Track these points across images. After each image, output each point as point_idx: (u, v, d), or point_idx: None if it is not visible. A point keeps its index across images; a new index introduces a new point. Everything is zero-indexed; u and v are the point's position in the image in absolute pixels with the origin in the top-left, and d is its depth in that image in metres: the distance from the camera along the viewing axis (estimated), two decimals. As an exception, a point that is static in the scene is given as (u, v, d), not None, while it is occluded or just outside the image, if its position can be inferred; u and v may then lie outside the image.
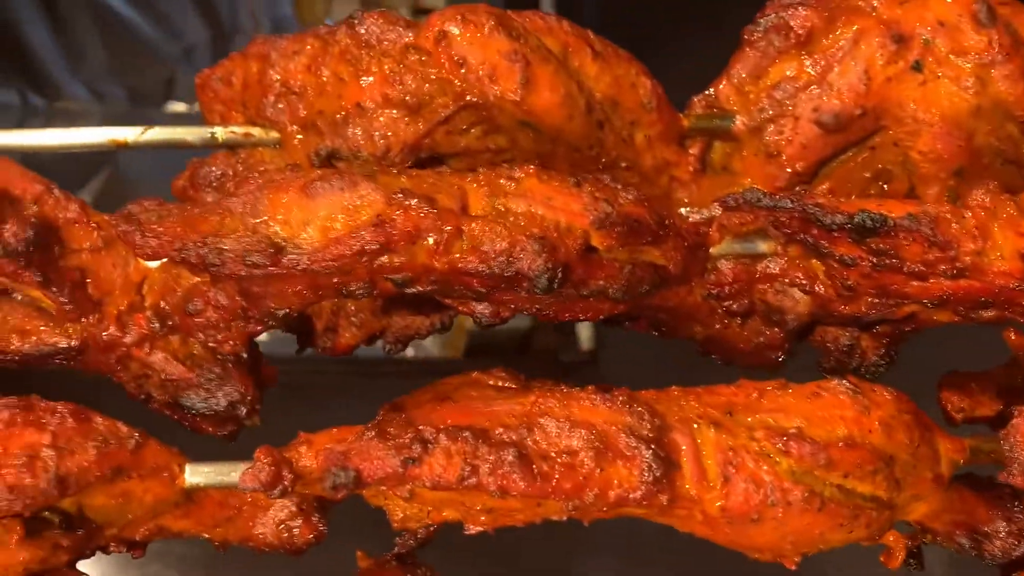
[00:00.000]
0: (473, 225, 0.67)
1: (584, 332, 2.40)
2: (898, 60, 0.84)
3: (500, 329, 2.32)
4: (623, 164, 0.84)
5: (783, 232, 0.75)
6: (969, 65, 0.84)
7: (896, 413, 0.72)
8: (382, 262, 0.67)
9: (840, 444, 0.69)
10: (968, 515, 0.79)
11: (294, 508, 0.75)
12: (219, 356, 0.75)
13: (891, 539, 0.78)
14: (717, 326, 0.81)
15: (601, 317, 0.76)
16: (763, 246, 0.78)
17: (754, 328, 0.81)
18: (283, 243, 0.67)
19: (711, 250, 0.77)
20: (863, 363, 0.85)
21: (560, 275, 0.67)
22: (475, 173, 0.71)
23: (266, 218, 0.67)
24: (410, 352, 2.10)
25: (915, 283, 0.74)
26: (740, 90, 0.87)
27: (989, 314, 0.78)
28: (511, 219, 0.67)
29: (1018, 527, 0.79)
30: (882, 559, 0.78)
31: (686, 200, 0.85)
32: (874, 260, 0.73)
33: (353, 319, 0.83)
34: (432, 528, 0.78)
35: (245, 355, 0.75)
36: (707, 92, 0.88)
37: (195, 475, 0.72)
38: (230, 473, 0.72)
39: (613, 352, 2.31)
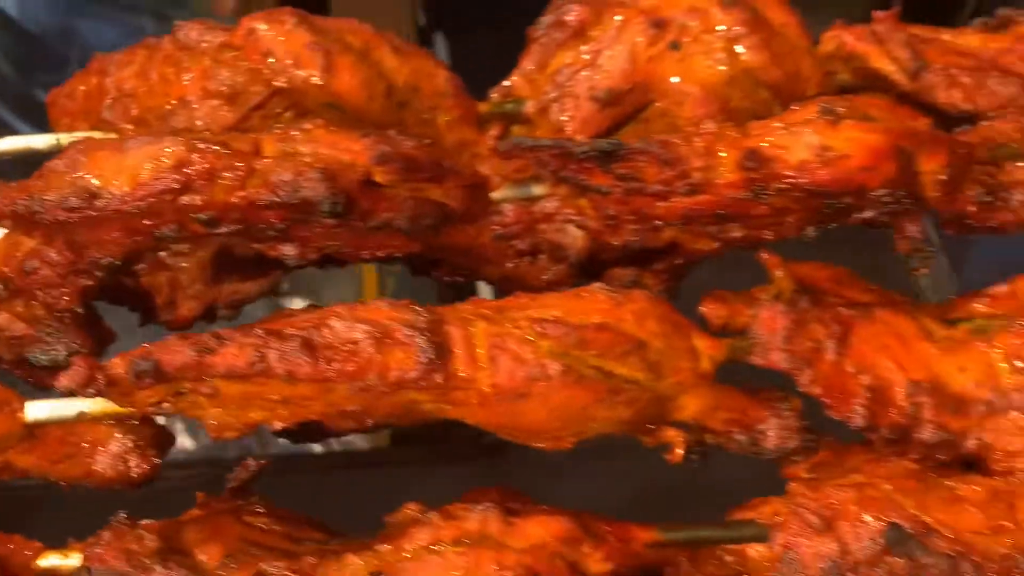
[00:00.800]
0: (265, 161, 0.78)
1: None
2: (658, 42, 0.98)
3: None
4: (426, 141, 0.97)
5: (551, 172, 0.87)
6: (718, 41, 0.98)
7: (648, 307, 0.82)
8: (186, 201, 0.79)
9: (592, 327, 0.78)
10: (742, 414, 0.88)
11: (130, 443, 0.83)
12: (56, 312, 0.84)
13: (671, 434, 0.86)
14: (509, 265, 0.91)
15: (398, 255, 0.86)
16: (537, 189, 0.89)
17: (542, 266, 0.91)
18: (98, 190, 0.78)
19: (493, 195, 0.89)
20: (648, 300, 0.95)
21: (344, 203, 0.78)
22: (270, 130, 0.83)
23: (83, 172, 0.79)
24: (336, 445, 2.12)
25: (661, 204, 0.86)
26: (529, 79, 1.01)
27: (737, 233, 0.89)
28: (298, 158, 0.79)
29: (787, 423, 0.88)
30: (667, 456, 0.86)
31: (487, 171, 0.97)
32: (622, 185, 0.85)
33: (188, 291, 0.93)
34: (263, 463, 0.86)
35: (80, 310, 0.84)
36: (503, 84, 1.02)
37: (36, 410, 0.81)
38: (69, 408, 0.81)
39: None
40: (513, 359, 0.76)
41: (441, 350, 0.76)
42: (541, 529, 0.78)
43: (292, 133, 0.81)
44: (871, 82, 1.05)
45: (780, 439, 0.88)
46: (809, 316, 0.84)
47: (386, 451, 2.09)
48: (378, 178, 0.80)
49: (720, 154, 0.84)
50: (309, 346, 0.74)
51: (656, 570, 0.84)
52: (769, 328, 0.84)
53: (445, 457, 1.96)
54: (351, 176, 0.78)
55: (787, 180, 0.83)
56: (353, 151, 0.80)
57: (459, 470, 1.98)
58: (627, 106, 1.00)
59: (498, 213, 0.89)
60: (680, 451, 0.87)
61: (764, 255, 0.91)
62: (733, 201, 0.84)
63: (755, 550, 0.84)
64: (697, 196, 0.85)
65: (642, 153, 0.83)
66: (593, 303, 0.81)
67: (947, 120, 1.01)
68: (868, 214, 0.88)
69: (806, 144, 0.82)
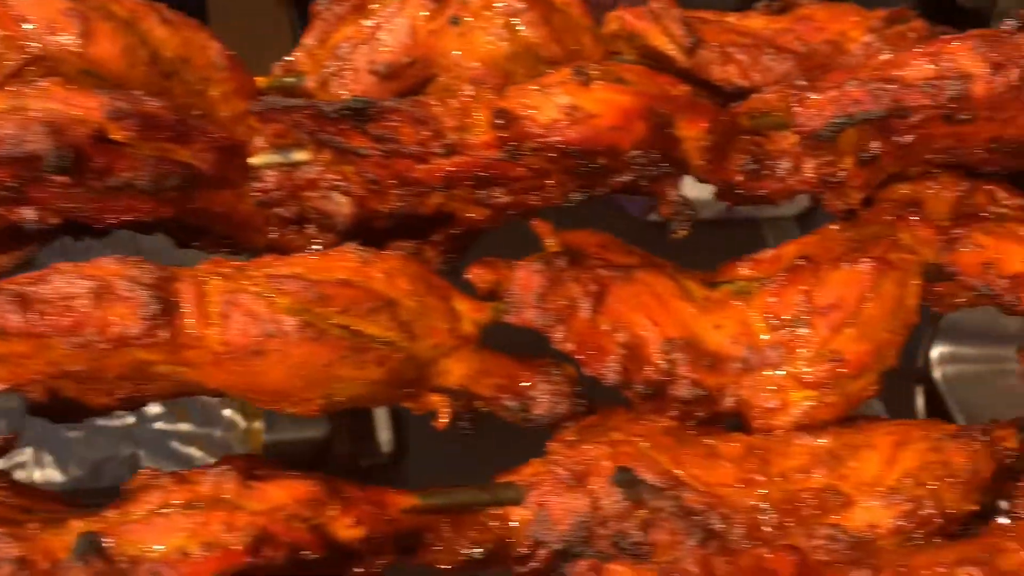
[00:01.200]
0: (-10, 117, 0.76)
1: (383, 435, 2.44)
2: (438, 16, 0.99)
3: (297, 439, 2.33)
4: (196, 112, 0.95)
5: (308, 135, 0.86)
6: (498, 17, 0.98)
7: (400, 266, 0.81)
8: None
9: (334, 283, 0.77)
10: (511, 379, 0.87)
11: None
12: None
13: (435, 400, 0.85)
14: (275, 235, 0.90)
15: (149, 221, 0.84)
16: (298, 154, 0.88)
17: (311, 235, 0.90)
18: None
19: (252, 160, 0.88)
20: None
21: (72, 158, 0.76)
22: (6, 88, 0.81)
23: None
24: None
25: (420, 166, 0.85)
26: (311, 54, 1.00)
27: (503, 198, 0.89)
28: (26, 113, 0.77)
29: (557, 387, 0.87)
30: (434, 423, 0.85)
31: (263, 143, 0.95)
32: (380, 147, 0.84)
33: (-51, 267, 0.89)
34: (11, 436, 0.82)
35: None
36: (285, 59, 1.01)
37: None
38: None
39: (416, 453, 2.36)
40: (246, 315, 0.75)
41: (168, 306, 0.74)
42: (281, 492, 0.76)
43: (25, 90, 0.79)
44: (655, 62, 1.07)
45: (550, 405, 0.88)
46: (566, 275, 0.85)
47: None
48: (114, 135, 0.78)
49: (475, 115, 0.84)
50: (22, 299, 0.71)
51: (416, 536, 0.82)
52: (524, 287, 0.84)
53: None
54: (81, 131, 0.76)
55: (538, 139, 0.83)
56: (87, 107, 0.78)
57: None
58: (408, 80, 1.00)
59: (259, 179, 0.88)
60: (445, 418, 0.86)
61: (535, 222, 0.92)
62: (490, 162, 0.85)
63: (518, 513, 0.83)
64: (454, 157, 0.84)
65: (394, 112, 0.83)
66: (340, 261, 0.80)
67: (727, 97, 1.03)
68: (626, 177, 0.88)
69: (556, 104, 0.83)
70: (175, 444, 1.81)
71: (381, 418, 2.20)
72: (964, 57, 0.87)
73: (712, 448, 0.84)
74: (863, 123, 0.89)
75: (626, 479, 0.73)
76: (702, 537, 0.75)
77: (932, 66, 0.88)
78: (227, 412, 1.88)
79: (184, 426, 1.84)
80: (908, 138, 0.91)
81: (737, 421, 0.90)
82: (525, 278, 0.84)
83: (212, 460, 0.85)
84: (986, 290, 0.90)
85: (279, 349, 0.75)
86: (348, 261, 0.80)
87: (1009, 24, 0.88)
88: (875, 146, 0.93)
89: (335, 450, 2.39)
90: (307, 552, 0.75)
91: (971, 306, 0.96)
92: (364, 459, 2.30)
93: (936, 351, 2.20)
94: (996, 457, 0.84)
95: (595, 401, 0.90)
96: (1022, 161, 1.02)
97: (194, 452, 1.84)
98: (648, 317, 0.85)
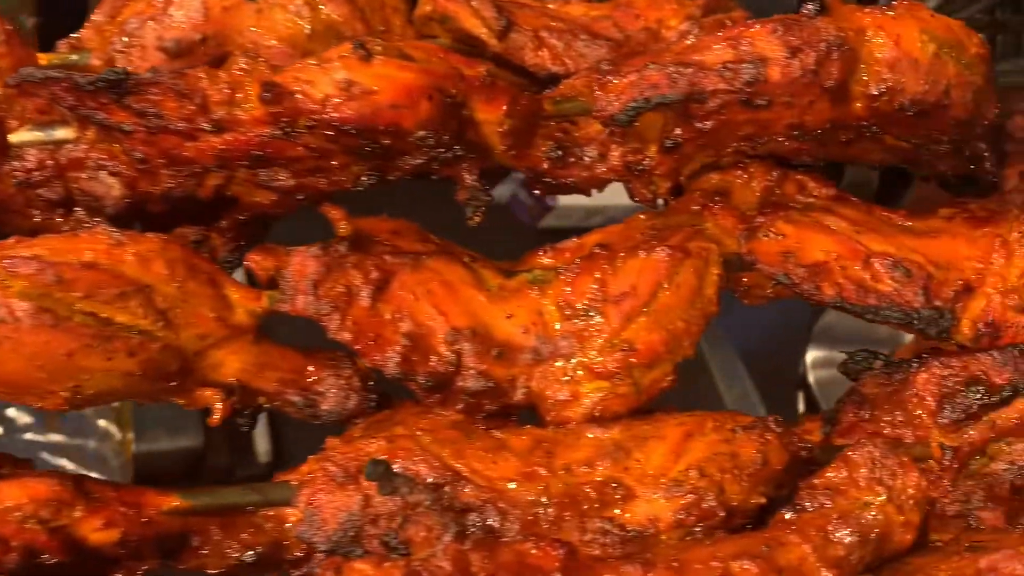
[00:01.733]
0: None
1: (261, 445, 2.36)
2: (234, -8, 0.93)
3: (169, 449, 2.22)
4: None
5: (69, 110, 0.80)
6: (296, -5, 0.94)
7: (157, 250, 0.76)
8: None
9: (75, 266, 0.71)
10: (297, 373, 0.82)
11: None
12: None
13: (207, 395, 0.79)
14: (38, 219, 0.83)
15: None
16: (61, 132, 0.82)
17: (80, 218, 0.84)
18: None
19: (11, 138, 0.81)
20: (215, 258, 0.89)
21: None
22: None
23: None
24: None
25: (190, 144, 0.80)
26: (99, 30, 0.94)
27: (287, 180, 0.85)
28: None
29: (347, 380, 0.83)
30: (208, 421, 0.79)
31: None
32: (144, 123, 0.79)
33: None
34: None
35: None
36: (71, 36, 0.95)
37: None
38: None
39: (294, 461, 2.29)
40: (-26, 299, 0.69)
41: None
42: (16, 491, 0.70)
43: None
44: (469, 45, 1.03)
45: (338, 400, 0.83)
46: (346, 262, 0.80)
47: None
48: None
49: (247, 89, 0.80)
50: None
51: (181, 539, 0.77)
52: (298, 273, 0.79)
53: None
54: None
55: (313, 116, 0.78)
56: None
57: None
58: (200, 58, 0.94)
59: (19, 158, 0.82)
60: (218, 415, 0.80)
61: (325, 207, 0.87)
62: (264, 140, 0.80)
63: (293, 513, 0.78)
64: (224, 134, 0.79)
65: (154, 85, 0.77)
66: (89, 243, 0.74)
67: (542, 84, 1.01)
68: (417, 160, 0.85)
69: (332, 79, 0.79)
70: (45, 455, 1.72)
71: (259, 427, 2.12)
72: (762, 41, 0.86)
73: (500, 441, 0.80)
74: (660, 107, 0.86)
75: (377, 473, 0.69)
76: (457, 532, 0.71)
77: (731, 50, 0.86)
78: (101, 422, 1.79)
79: (55, 437, 1.75)
80: (708, 124, 0.89)
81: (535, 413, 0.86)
82: (300, 264, 0.79)
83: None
84: (784, 279, 0.88)
85: (10, 337, 0.69)
86: (97, 243, 0.74)
87: (809, 7, 0.87)
88: (678, 133, 0.91)
89: (210, 461, 2.31)
90: (47, 556, 0.69)
91: (776, 297, 0.94)
92: (241, 469, 2.22)
93: (811, 356, 2.22)
94: (790, 449, 0.82)
95: (401, 395, 0.86)
96: (834, 150, 1.02)
97: (65, 463, 1.75)
98: (435, 306, 0.81)
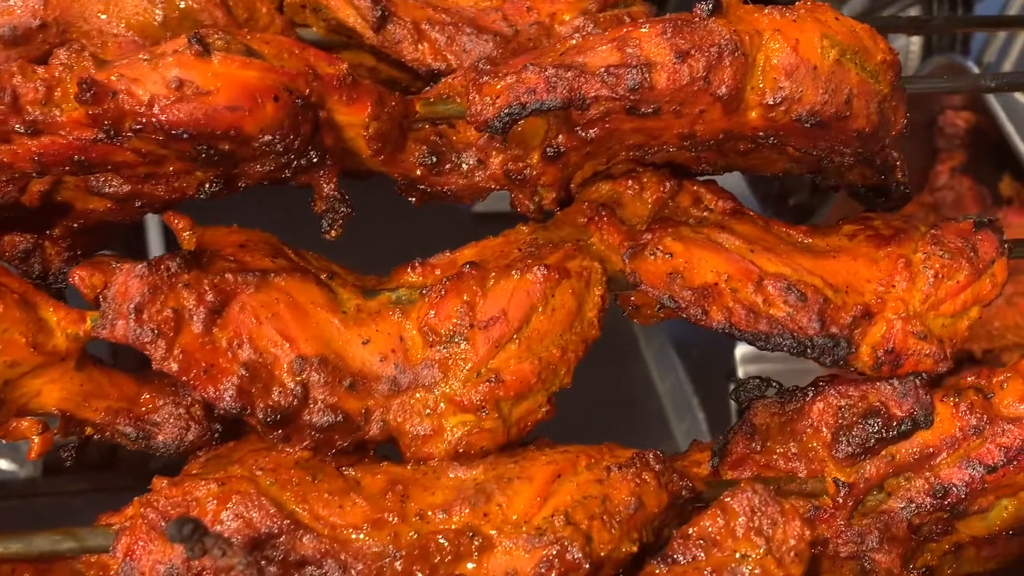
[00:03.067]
0: None
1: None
2: (73, -22, 0.84)
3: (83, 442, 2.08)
4: None
5: None
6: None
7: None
8: None
9: None
10: (129, 402, 0.74)
11: None
12: None
13: (24, 426, 0.71)
14: None
15: None
16: None
17: None
18: None
19: None
20: (49, 269, 0.81)
21: None
22: None
23: None
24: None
25: (3, 147, 0.71)
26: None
27: (121, 186, 0.76)
28: None
29: (187, 409, 0.75)
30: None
31: None
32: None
33: None
34: None
35: None
36: None
37: None
38: None
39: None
40: None
41: None
42: None
43: None
44: (346, 39, 0.95)
45: (176, 432, 0.75)
46: (178, 281, 0.72)
47: (38, 481, 1.90)
48: None
49: (68, 87, 0.71)
50: None
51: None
52: (120, 296, 0.71)
53: (109, 486, 1.79)
54: None
55: (138, 119, 0.70)
56: None
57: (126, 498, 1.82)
58: (40, 46, 0.85)
59: None
60: (37, 449, 0.72)
61: (168, 215, 0.79)
62: (85, 145, 0.71)
63: (113, 563, 0.70)
64: (41, 137, 0.70)
65: (-45, 82, 0.68)
66: None
67: (425, 80, 0.93)
68: (267, 167, 0.76)
69: (161, 77, 0.70)
70: None
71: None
72: (649, 44, 0.78)
73: (350, 483, 0.73)
74: (537, 114, 0.79)
75: (183, 535, 0.61)
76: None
77: (616, 53, 0.78)
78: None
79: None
80: (593, 132, 0.82)
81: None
82: (122, 284, 0.71)
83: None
84: (669, 302, 0.81)
85: None
86: None
87: (702, 6, 0.80)
88: (560, 141, 0.83)
89: (122, 453, 2.21)
90: None
91: (666, 318, 0.88)
92: (154, 462, 2.13)
93: (740, 351, 2.18)
94: (670, 489, 0.76)
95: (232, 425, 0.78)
96: (734, 160, 0.95)
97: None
98: (280, 331, 0.73)
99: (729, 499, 0.71)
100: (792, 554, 0.69)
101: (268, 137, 0.73)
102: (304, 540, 0.68)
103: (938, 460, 0.83)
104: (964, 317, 0.87)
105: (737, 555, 0.69)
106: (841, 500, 0.82)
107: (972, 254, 0.86)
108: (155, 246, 1.93)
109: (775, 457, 0.84)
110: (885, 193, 0.97)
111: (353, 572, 0.67)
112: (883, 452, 0.84)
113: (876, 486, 0.84)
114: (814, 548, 0.82)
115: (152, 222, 1.93)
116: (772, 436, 0.85)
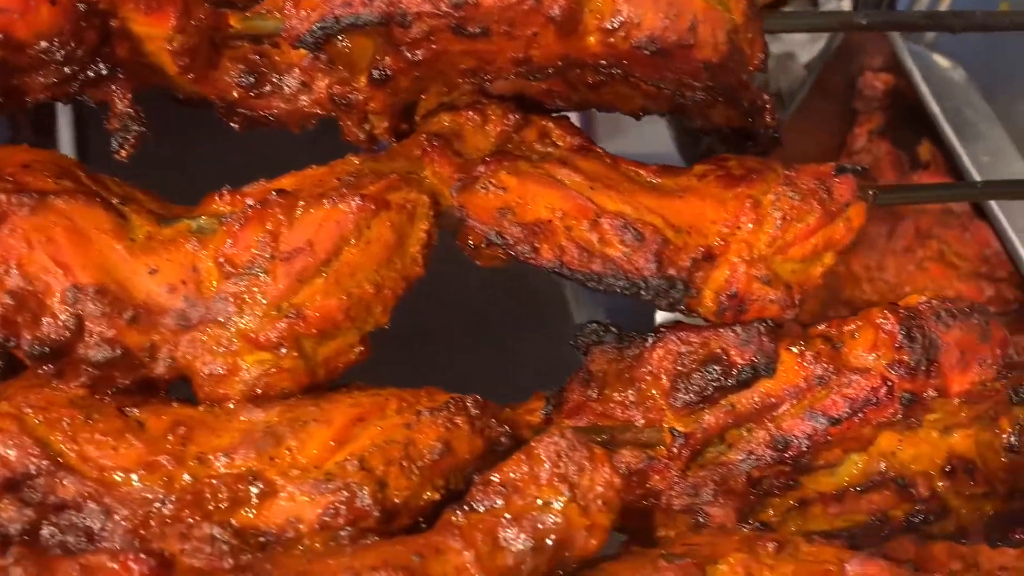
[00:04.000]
0: None
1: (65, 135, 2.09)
2: None
3: None
4: None
5: None
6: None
7: None
8: None
9: None
10: None
11: None
12: None
13: None
14: None
15: None
16: None
17: None
18: None
19: None
20: None
21: None
22: None
23: None
24: None
25: None
26: None
27: None
28: None
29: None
30: None
31: None
32: None
33: None
34: None
35: None
36: None
37: None
38: None
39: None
40: None
41: None
42: None
43: None
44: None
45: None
46: (-64, 199, 0.65)
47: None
48: None
49: None
50: None
51: None
52: None
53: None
54: None
55: None
56: None
57: None
58: None
59: None
60: None
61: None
62: None
63: None
64: None
65: None
66: None
67: None
68: (50, 79, 0.70)
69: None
70: None
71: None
72: (478, -43, 0.73)
73: (132, 424, 0.67)
74: (353, 30, 0.73)
75: None
76: (28, 538, 0.58)
77: (444, -33, 0.73)
78: None
79: None
80: (419, 54, 0.76)
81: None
82: None
83: None
84: (496, 238, 0.76)
85: None
86: None
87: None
88: (387, 62, 0.77)
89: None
90: None
91: (508, 260, 0.82)
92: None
93: (659, 316, 2.14)
94: (486, 435, 0.71)
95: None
96: (587, 95, 0.90)
97: None
98: (53, 257, 0.67)
99: (535, 444, 0.66)
100: (599, 502, 0.65)
101: (44, 44, 0.66)
102: (65, 482, 0.62)
103: (780, 411, 0.79)
104: (817, 263, 0.83)
105: (539, 502, 0.64)
106: (676, 450, 0.78)
107: (825, 196, 0.82)
108: (64, 136, 1.80)
109: (612, 405, 0.80)
110: (753, 136, 0.92)
111: (117, 516, 0.62)
112: (723, 402, 0.79)
113: (716, 437, 0.80)
114: (646, 500, 0.78)
115: (63, 109, 1.79)
116: (610, 383, 0.81)
